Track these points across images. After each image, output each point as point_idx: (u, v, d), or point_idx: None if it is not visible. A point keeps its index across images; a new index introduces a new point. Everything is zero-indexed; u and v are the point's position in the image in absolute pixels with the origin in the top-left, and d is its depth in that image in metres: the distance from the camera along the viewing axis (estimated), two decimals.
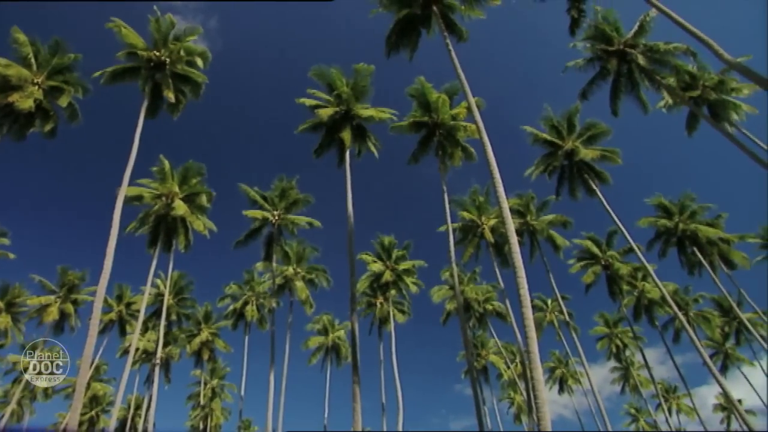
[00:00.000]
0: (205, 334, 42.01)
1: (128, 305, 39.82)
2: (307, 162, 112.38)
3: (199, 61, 24.97)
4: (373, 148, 27.12)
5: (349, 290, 22.04)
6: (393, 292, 36.08)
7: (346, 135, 24.72)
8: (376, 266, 34.89)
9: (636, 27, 25.15)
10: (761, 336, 34.03)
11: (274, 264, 32.78)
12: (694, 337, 26.38)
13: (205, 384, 47.29)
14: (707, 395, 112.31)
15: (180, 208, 27.68)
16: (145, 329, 38.62)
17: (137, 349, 36.81)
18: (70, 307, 38.00)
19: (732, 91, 27.11)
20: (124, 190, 21.10)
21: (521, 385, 38.82)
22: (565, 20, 24.69)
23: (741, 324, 37.50)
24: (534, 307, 41.06)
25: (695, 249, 32.29)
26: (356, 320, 21.71)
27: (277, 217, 31.51)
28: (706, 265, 31.68)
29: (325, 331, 41.45)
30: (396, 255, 35.56)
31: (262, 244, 32.43)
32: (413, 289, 35.81)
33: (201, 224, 29.55)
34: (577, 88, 27.32)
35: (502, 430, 44.91)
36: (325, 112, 24.95)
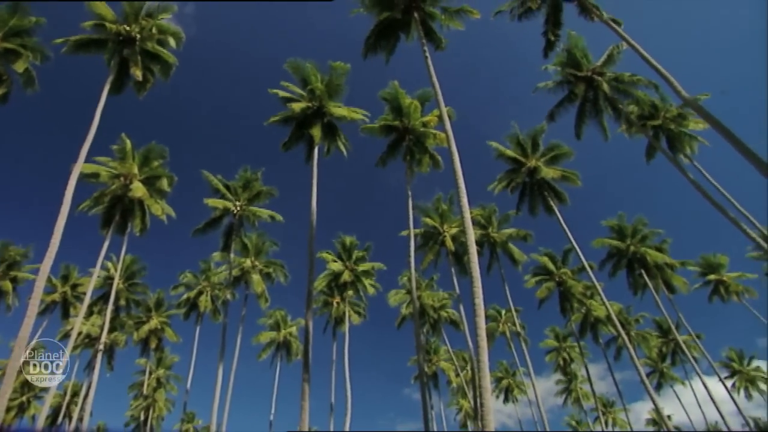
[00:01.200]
0: (154, 322, 40.65)
1: (74, 287, 38.09)
2: (274, 156, 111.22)
3: (172, 41, 24.24)
4: (342, 148, 27.12)
5: (307, 287, 21.90)
6: (350, 292, 36.09)
7: (316, 131, 24.61)
8: (336, 265, 34.83)
9: (605, 56, 26.29)
10: (694, 357, 36.05)
11: (232, 255, 32.19)
12: (634, 356, 27.59)
13: (150, 373, 45.74)
14: (641, 410, 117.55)
15: (138, 190, 26.76)
16: (90, 313, 36.90)
17: (80, 333, 35.14)
18: (8, 285, 36.00)
19: (690, 124, 28.64)
20: (79, 167, 20.18)
21: (470, 393, 39.54)
22: (540, 41, 25.51)
23: (677, 345, 39.62)
24: (488, 317, 42.07)
25: (643, 271, 33.91)
26: (311, 318, 21.63)
27: (238, 208, 30.98)
28: (651, 287, 33.28)
29: (277, 327, 40.93)
30: (356, 256, 35.61)
31: (221, 234, 31.81)
32: (371, 291, 35.93)
33: (159, 208, 28.65)
34: (546, 107, 28.29)
35: None
36: (297, 106, 24.78)
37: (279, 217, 31.79)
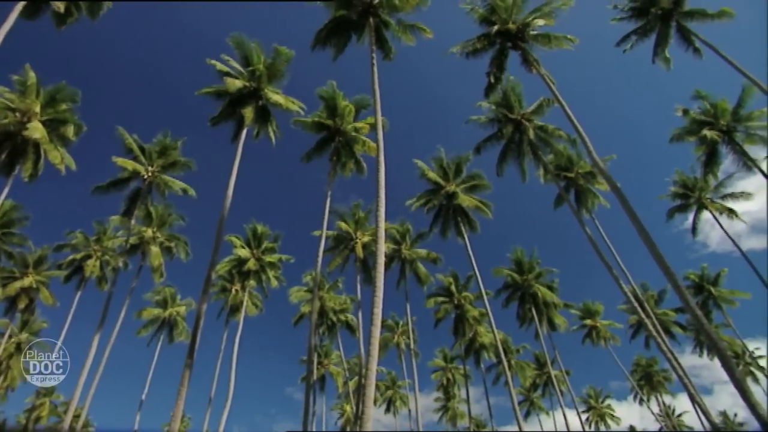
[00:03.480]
0: (29, 280, 36.44)
1: None
2: (199, 129, 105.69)
3: None
4: (272, 134, 26.62)
5: (208, 269, 21.06)
6: (252, 282, 35.15)
7: (249, 112, 23.98)
8: (243, 252, 33.81)
9: (535, 105, 28.29)
10: (560, 391, 39.51)
11: (133, 222, 30.14)
12: (511, 383, 29.60)
13: (10, 337, 40.91)
14: None
15: (36, 130, 24.12)
16: None
17: None
18: None
19: (596, 184, 31.59)
20: None
21: (354, 399, 40.00)
22: (483, 78, 26.74)
23: (549, 378, 43.14)
24: (385, 326, 43.01)
25: (533, 306, 36.64)
26: (206, 302, 20.83)
27: (150, 174, 29.19)
28: (537, 322, 36.08)
29: (164, 304, 38.55)
30: (266, 245, 34.85)
31: (126, 198, 29.74)
32: (274, 283, 35.25)
33: (59, 156, 26.02)
34: (475, 140, 29.85)
35: None
36: (233, 83, 23.95)
37: (192, 192, 30.40)
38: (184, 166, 29.98)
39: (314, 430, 39.78)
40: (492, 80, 25.99)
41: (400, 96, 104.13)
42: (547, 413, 48.27)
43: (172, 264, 34.67)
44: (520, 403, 47.31)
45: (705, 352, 44.03)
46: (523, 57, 24.29)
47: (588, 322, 43.67)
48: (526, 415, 49.45)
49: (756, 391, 42.86)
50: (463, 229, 31.45)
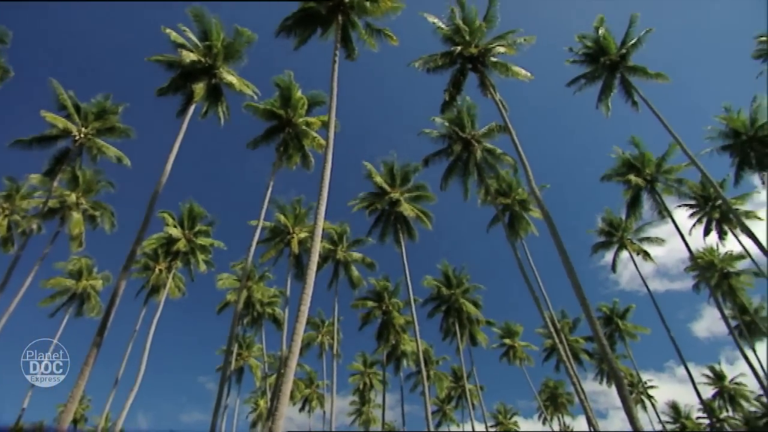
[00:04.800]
0: None
1: None
2: (144, 98, 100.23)
3: None
4: (221, 115, 25.79)
5: (133, 244, 19.98)
6: (179, 263, 33.71)
7: (200, 89, 23.11)
8: (174, 231, 32.32)
9: (486, 129, 29.23)
10: (473, 404, 40.99)
11: (56, 184, 27.97)
12: (427, 393, 30.29)
13: None
14: None
15: None
16: None
17: None
18: None
19: (531, 212, 33.13)
20: None
21: (269, 394, 39.32)
22: (439, 91, 27.17)
23: (464, 391, 44.60)
24: (310, 324, 42.67)
25: (456, 320, 37.77)
26: (126, 278, 19.76)
27: (82, 135, 27.27)
28: (458, 336, 37.24)
29: (78, 275, 35.96)
30: (199, 228, 33.53)
31: (51, 157, 27.56)
32: (202, 267, 33.99)
33: None
34: (426, 150, 30.42)
35: None
36: (188, 56, 22.98)
37: (127, 161, 28.69)
38: (123, 133, 28.24)
39: (224, 422, 38.66)
40: (448, 98, 26.38)
41: (357, 98, 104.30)
42: (458, 425, 50.15)
43: (93, 234, 32.57)
44: (433, 413, 48.61)
45: (605, 380, 47.48)
46: (481, 80, 24.97)
47: (507, 341, 45.73)
48: (438, 425, 50.95)
49: (643, 417, 46.83)
50: (401, 236, 31.86)
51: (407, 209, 31.49)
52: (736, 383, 49.38)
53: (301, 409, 49.78)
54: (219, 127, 25.75)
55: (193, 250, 33.44)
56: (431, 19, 25.20)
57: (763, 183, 30.92)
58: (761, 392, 40.76)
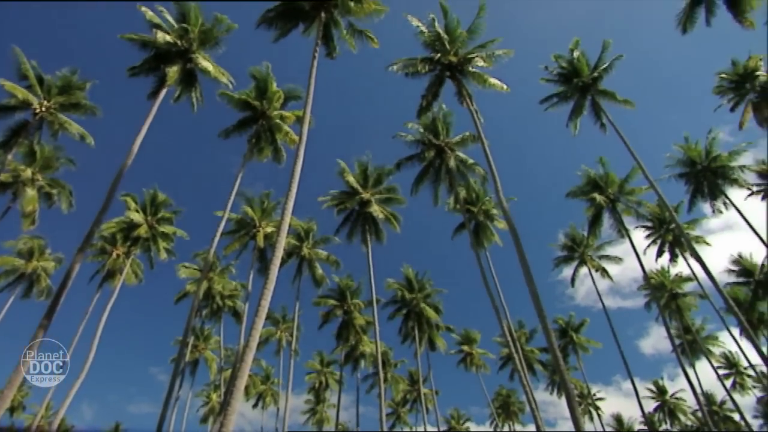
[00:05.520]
0: None
1: None
2: (116, 78, 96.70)
3: None
4: (194, 101, 25.35)
5: (91, 225, 19.30)
6: (138, 249, 32.67)
7: (174, 72, 22.63)
8: (136, 216, 31.34)
9: (460, 137, 29.59)
10: (427, 408, 41.48)
11: (10, 157, 26.62)
12: (383, 395, 30.30)
13: None
14: None
15: None
16: None
17: None
18: None
19: (496, 222, 33.79)
20: None
21: (223, 388, 38.56)
22: (416, 95, 27.24)
23: (419, 395, 45.02)
24: (270, 319, 42.15)
25: (416, 324, 38.09)
26: (81, 261, 19.06)
27: (44, 109, 26.08)
28: (417, 340, 37.57)
29: (28, 255, 34.30)
30: (163, 215, 32.63)
31: (7, 129, 26.20)
32: (163, 255, 33.01)
33: None
34: (399, 154, 30.56)
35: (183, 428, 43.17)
36: (164, 37, 22.50)
37: (90, 140, 27.47)
38: (89, 110, 27.08)
39: (175, 415, 37.58)
40: (425, 103, 26.48)
41: (334, 97, 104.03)
42: (411, 428, 50.55)
43: (49, 213, 31.22)
44: (387, 415, 48.75)
45: (555, 390, 48.93)
46: (458, 89, 25.17)
47: (465, 348, 46.50)
48: (391, 427, 51.18)
49: (589, 427, 48.58)
50: (368, 237, 31.86)
51: (377, 210, 31.46)
52: (676, 398, 51.91)
53: (255, 405, 49.03)
54: (190, 114, 25.28)
55: (154, 237, 32.48)
56: (415, 22, 25.27)
57: (713, 211, 32.70)
58: (697, 407, 43.05)
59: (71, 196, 30.63)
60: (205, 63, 23.81)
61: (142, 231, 31.52)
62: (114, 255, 33.18)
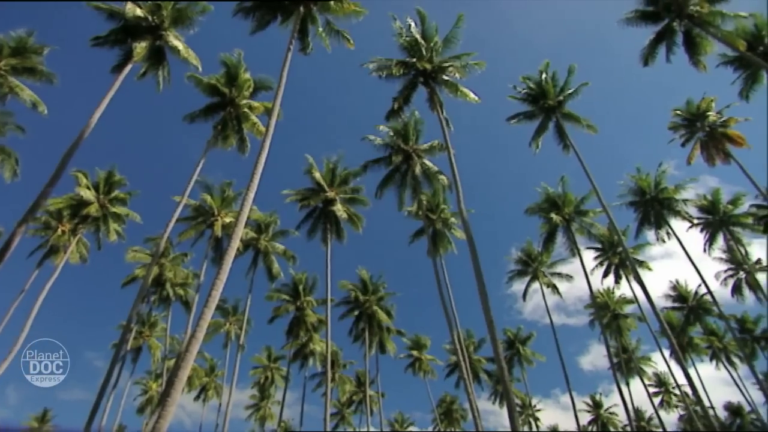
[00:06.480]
0: None
1: None
2: (75, 48, 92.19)
3: None
4: (160, 80, 24.55)
5: (37, 197, 18.34)
6: (86, 228, 31.20)
7: (141, 48, 21.93)
8: (87, 193, 29.91)
9: (428, 145, 29.92)
10: (371, 410, 41.62)
11: None
12: (329, 395, 30.07)
13: None
14: None
15: None
16: None
17: None
18: None
19: (454, 232, 34.39)
20: None
21: (164, 378, 37.29)
22: (388, 99, 27.10)
23: (365, 397, 45.14)
24: (220, 310, 41.14)
25: (368, 326, 38.18)
26: (21, 234, 18.06)
27: None
28: (368, 342, 37.67)
29: None
30: (116, 195, 31.32)
31: None
32: (113, 237, 31.66)
33: None
34: (366, 155, 30.61)
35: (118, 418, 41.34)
36: (134, 10, 21.75)
37: (43, 107, 26.10)
38: (45, 77, 25.65)
39: (110, 403, 35.99)
40: (396, 107, 26.27)
41: (304, 94, 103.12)
42: (355, 429, 50.65)
43: None
44: (332, 415, 48.64)
45: (498, 400, 50.30)
46: (430, 96, 25.24)
47: (415, 353, 47.03)
48: (335, 427, 51.03)
49: None
50: (329, 235, 31.67)
51: (341, 210, 31.27)
52: (610, 412, 54.50)
53: (197, 398, 47.61)
54: (155, 94, 24.45)
55: (105, 217, 31.13)
56: (397, 23, 25.17)
57: (657, 239, 34.72)
58: (627, 423, 45.33)
59: (17, 165, 28.81)
60: (175, 42, 23.17)
61: (93, 210, 30.15)
62: (59, 231, 31.54)
